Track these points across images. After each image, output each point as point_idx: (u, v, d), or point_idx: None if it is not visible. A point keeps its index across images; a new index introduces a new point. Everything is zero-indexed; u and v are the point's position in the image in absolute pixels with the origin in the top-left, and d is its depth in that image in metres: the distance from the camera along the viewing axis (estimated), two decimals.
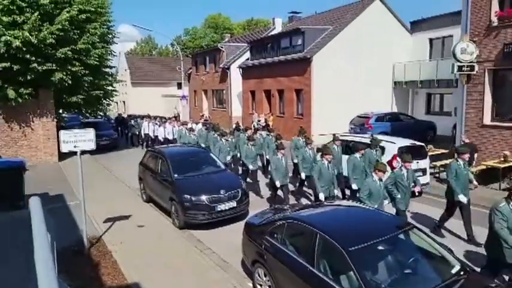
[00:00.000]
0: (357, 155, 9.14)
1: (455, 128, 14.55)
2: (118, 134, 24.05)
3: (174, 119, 21.69)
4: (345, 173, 9.77)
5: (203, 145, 13.76)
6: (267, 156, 12.28)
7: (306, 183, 10.51)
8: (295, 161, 11.38)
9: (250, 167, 11.34)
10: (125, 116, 30.79)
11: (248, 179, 11.70)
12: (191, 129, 15.31)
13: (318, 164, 8.47)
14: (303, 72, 20.51)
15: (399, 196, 7.32)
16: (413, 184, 7.75)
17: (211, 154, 10.86)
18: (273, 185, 9.45)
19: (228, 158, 12.29)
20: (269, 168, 10.09)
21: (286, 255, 5.30)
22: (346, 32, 20.50)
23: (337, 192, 8.74)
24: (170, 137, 17.63)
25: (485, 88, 12.18)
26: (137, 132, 21.23)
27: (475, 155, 11.38)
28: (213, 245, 7.62)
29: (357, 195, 7.91)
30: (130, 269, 6.59)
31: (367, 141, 10.56)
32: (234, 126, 18.53)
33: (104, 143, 18.94)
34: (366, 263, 4.53)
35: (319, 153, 9.44)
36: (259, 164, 12.80)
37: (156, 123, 19.36)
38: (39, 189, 10.83)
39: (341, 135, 11.71)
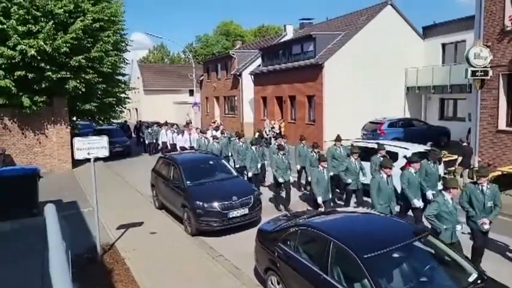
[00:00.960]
0: (412, 169, 7.84)
1: (469, 132, 14.35)
2: (137, 143, 23.97)
3: (189, 126, 20.60)
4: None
5: (228, 154, 13.31)
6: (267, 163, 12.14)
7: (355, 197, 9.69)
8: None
9: (281, 180, 10.20)
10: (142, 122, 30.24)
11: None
12: (215, 138, 14.14)
13: (376, 178, 7.46)
14: (314, 78, 20.47)
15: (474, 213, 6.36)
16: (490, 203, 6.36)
17: (223, 161, 10.86)
18: (314, 200, 8.92)
19: (258, 166, 11.73)
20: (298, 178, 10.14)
21: (300, 262, 5.25)
22: (357, 38, 20.42)
23: (395, 207, 7.75)
24: (187, 145, 16.66)
25: (500, 93, 11.98)
26: (154, 141, 20.37)
27: (473, 158, 11.46)
28: (225, 251, 7.59)
29: (411, 212, 7.80)
30: (143, 276, 6.60)
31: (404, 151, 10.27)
32: (257, 134, 18.17)
33: (117, 150, 19.11)
34: (381, 271, 4.46)
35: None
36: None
37: (175, 131, 18.30)
38: (53, 196, 10.96)
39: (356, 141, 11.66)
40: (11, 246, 7.50)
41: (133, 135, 26.83)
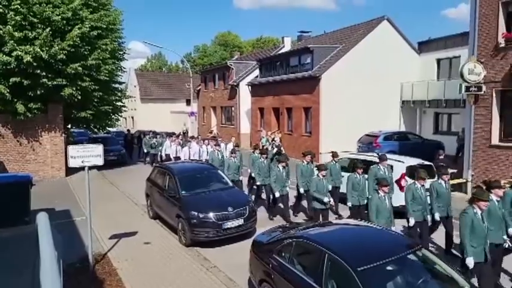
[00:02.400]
0: (418, 184, 7.68)
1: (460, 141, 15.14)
2: (139, 155, 21.98)
3: (198, 137, 18.70)
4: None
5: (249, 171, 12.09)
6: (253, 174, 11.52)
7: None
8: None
9: (277, 194, 10.06)
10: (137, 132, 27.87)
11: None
12: (233, 152, 12.16)
13: (411, 187, 7.68)
14: (311, 90, 20.59)
15: None
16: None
17: (219, 171, 10.81)
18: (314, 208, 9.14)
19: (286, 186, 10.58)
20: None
21: (294, 274, 5.21)
22: (354, 52, 20.63)
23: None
24: (196, 158, 14.77)
25: (493, 108, 12.12)
26: (158, 153, 18.54)
27: (467, 171, 11.99)
28: (219, 263, 7.53)
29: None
30: (136, 287, 6.50)
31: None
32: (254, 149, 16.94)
33: (111, 159, 18.96)
34: (375, 283, 4.46)
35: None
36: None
37: (179, 143, 16.94)
38: (45, 204, 10.83)
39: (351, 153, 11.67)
40: (1, 255, 7.36)
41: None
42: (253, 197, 11.43)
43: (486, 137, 12.28)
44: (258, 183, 11.15)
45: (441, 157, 11.77)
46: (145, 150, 20.02)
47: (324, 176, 8.96)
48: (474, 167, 12.55)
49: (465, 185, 12.66)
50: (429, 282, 4.79)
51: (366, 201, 9.04)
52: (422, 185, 7.65)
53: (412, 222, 7.56)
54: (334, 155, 10.94)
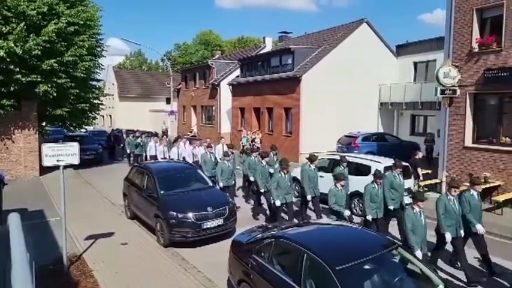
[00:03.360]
0: (450, 196, 7.03)
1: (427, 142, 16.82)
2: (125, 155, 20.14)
3: (192, 136, 17.63)
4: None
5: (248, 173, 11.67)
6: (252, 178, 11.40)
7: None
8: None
9: (278, 203, 9.28)
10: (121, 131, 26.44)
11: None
12: (226, 155, 11.24)
13: (443, 199, 7.02)
14: (292, 90, 20.73)
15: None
16: None
17: (198, 170, 10.72)
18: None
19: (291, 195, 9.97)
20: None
21: (273, 274, 5.23)
22: (334, 53, 20.90)
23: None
24: (190, 160, 13.75)
25: (467, 111, 12.50)
26: (143, 154, 17.27)
27: (418, 170, 11.84)
28: (198, 263, 7.46)
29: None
30: None
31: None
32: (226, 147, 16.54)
33: (88, 158, 18.60)
34: (353, 282, 4.53)
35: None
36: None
37: (166, 143, 15.82)
38: (18, 204, 10.52)
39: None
40: None
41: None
42: (252, 201, 11.24)
43: (460, 139, 12.65)
44: (261, 190, 10.46)
45: (417, 157, 12.04)
46: (128, 151, 19.00)
47: (342, 186, 7.99)
48: (449, 168, 12.92)
49: (440, 185, 13.02)
50: (405, 280, 4.92)
51: (383, 213, 8.28)
52: (455, 196, 6.97)
53: (449, 238, 6.78)
54: (312, 158, 9.90)
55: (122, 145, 21.75)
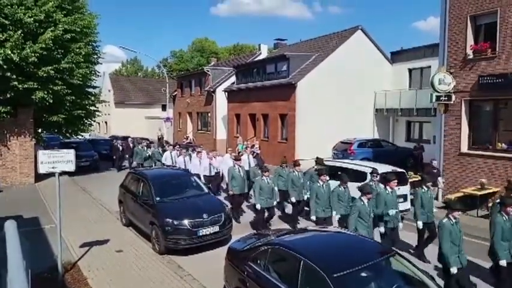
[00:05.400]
0: (505, 216, 6.38)
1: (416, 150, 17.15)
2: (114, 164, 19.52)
3: (188, 143, 16.25)
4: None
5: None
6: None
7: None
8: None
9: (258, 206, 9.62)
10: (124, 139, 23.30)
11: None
12: (265, 170, 9.77)
13: (499, 220, 6.34)
14: (287, 97, 20.81)
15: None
16: None
17: (194, 177, 10.70)
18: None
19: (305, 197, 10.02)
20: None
21: (269, 281, 5.20)
22: (329, 60, 21.05)
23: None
24: (207, 174, 12.68)
25: (462, 118, 12.59)
26: (153, 164, 16.09)
27: (439, 179, 12.22)
28: (194, 271, 7.41)
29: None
30: None
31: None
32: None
33: (84, 165, 18.51)
34: None
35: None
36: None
37: (188, 154, 14.32)
38: (13, 211, 10.43)
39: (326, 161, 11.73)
40: None
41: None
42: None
43: (456, 145, 12.73)
44: (293, 200, 10.12)
45: (434, 164, 12.45)
46: (134, 163, 17.78)
47: (369, 199, 7.28)
48: (445, 174, 12.97)
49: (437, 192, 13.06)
50: (402, 287, 4.88)
51: (400, 223, 8.14)
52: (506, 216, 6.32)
53: (503, 263, 6.18)
54: (296, 163, 10.07)
55: (127, 155, 19.88)
